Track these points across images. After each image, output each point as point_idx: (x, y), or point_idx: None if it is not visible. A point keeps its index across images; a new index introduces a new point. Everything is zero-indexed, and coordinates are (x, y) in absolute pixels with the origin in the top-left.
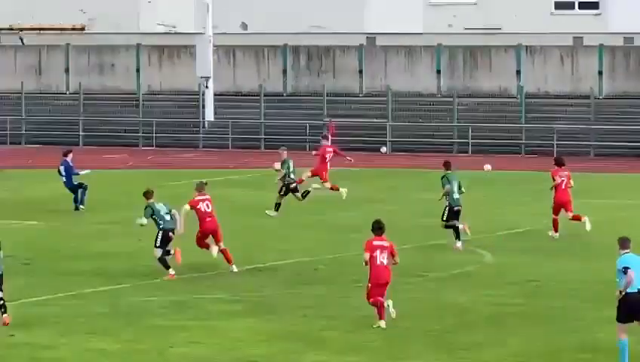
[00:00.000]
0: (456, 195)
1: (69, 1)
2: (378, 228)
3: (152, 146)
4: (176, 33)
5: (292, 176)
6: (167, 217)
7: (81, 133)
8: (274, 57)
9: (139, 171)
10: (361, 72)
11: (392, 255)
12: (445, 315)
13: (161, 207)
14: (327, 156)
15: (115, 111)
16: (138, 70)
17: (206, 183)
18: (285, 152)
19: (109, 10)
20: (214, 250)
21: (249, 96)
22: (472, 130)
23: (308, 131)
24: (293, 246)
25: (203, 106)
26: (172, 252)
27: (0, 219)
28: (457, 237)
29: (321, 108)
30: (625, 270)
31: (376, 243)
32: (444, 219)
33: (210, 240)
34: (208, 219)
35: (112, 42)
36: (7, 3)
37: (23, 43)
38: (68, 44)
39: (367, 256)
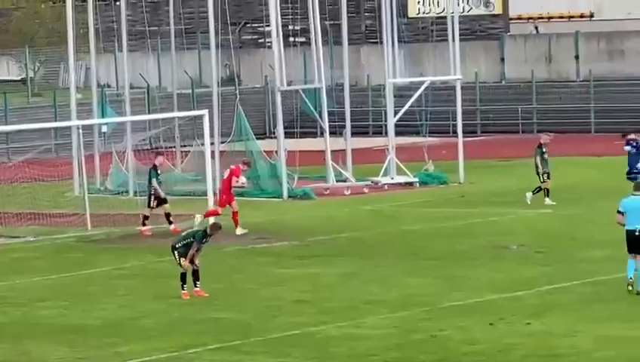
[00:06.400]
0: None
1: None
2: None
3: None
4: None
5: None
6: None
7: (592, 119)
8: None
9: None
10: None
11: None
12: None
13: None
14: None
15: (627, 97)
16: None
17: None
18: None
19: None
20: None
21: None
22: None
23: None
24: None
25: None
26: None
27: (512, 208)
28: None
29: None
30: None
31: None
32: None
33: None
34: None
35: (621, 28)
36: None
37: (537, 31)
38: (577, 32)
39: None
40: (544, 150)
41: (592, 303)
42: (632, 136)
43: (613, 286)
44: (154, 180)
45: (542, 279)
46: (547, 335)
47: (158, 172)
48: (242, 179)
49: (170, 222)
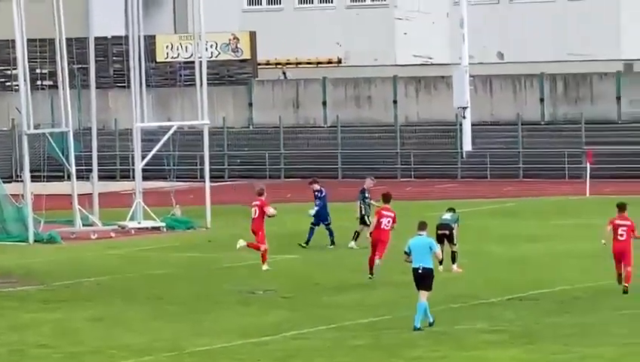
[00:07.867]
0: None
1: (326, 36)
2: None
3: (411, 178)
4: (432, 64)
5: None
6: None
7: (339, 165)
8: (531, 86)
9: (397, 203)
10: (619, 98)
11: None
12: None
13: None
14: None
15: (373, 143)
16: (395, 101)
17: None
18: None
19: (365, 43)
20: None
21: (506, 125)
22: None
23: (566, 160)
24: (553, 276)
25: (461, 137)
26: None
27: (258, 253)
28: None
29: (579, 136)
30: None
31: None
32: None
33: None
34: None
35: (369, 74)
36: (269, 39)
37: (285, 77)
38: (325, 78)
39: None
40: (367, 195)
41: (337, 348)
42: (316, 186)
43: (358, 331)
44: None
45: (287, 324)
46: None
47: None
48: (271, 210)
49: None
